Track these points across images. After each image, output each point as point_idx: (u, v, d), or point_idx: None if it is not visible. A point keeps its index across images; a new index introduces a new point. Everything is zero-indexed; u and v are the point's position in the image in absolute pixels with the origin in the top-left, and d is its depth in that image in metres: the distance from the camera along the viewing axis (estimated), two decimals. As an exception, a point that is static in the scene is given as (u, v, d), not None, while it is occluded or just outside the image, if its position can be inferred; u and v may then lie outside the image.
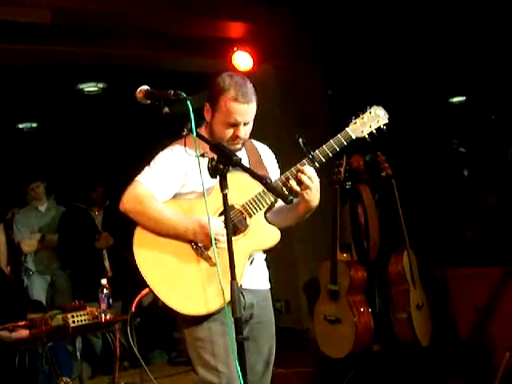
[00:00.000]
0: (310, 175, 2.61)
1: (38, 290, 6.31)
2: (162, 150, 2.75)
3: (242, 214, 2.66)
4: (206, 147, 2.38)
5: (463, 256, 5.69)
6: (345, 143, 2.73)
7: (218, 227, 2.51)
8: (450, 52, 7.15)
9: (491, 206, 6.23)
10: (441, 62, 7.49)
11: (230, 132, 2.66)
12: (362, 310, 4.74)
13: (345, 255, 5.07)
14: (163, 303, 2.57)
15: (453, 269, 5.46)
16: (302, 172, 2.61)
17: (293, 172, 2.65)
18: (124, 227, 2.71)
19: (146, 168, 2.69)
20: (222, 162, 2.30)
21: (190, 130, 2.35)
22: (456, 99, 10.29)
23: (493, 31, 6.34)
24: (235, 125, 2.64)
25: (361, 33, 6.42)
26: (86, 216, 6.24)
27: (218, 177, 2.31)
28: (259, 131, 2.86)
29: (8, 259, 6.49)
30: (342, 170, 4.80)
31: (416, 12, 5.98)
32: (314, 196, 2.67)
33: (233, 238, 2.53)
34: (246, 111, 2.63)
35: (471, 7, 5.81)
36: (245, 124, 2.67)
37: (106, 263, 6.14)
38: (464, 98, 10.27)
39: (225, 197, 2.30)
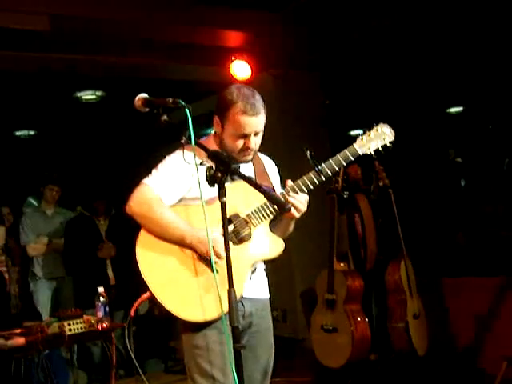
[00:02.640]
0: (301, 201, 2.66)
1: (44, 295, 6.30)
2: (164, 156, 2.75)
3: (247, 223, 2.67)
4: (205, 155, 2.38)
5: (460, 265, 5.70)
6: (352, 158, 2.77)
7: (219, 240, 2.50)
8: (447, 62, 7.17)
9: (487, 215, 6.25)
10: (438, 72, 7.52)
11: (240, 144, 2.67)
12: (358, 319, 4.74)
13: (342, 264, 5.07)
14: (161, 307, 2.57)
15: (450, 278, 5.47)
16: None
17: (300, 185, 2.69)
18: (129, 237, 2.70)
19: (154, 171, 2.70)
20: (221, 171, 2.30)
21: (189, 138, 2.36)
22: (453, 109, 10.31)
23: (490, 42, 6.37)
24: (245, 136, 2.65)
25: (359, 42, 6.44)
26: (90, 224, 6.25)
27: (215, 185, 2.31)
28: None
29: (16, 263, 6.51)
30: (339, 179, 4.81)
31: (414, 21, 6.00)
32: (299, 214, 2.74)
33: (236, 247, 2.55)
34: (255, 123, 2.64)
35: (469, 18, 5.84)
36: (255, 135, 2.68)
37: (109, 272, 6.14)
38: (461, 108, 10.30)
39: (223, 205, 2.30)
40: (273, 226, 2.79)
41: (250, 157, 2.73)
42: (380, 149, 2.82)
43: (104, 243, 6.14)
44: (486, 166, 7.39)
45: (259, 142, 2.73)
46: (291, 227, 2.85)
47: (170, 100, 2.38)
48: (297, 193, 2.67)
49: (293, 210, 2.64)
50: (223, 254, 2.39)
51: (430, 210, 6.51)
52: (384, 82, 7.75)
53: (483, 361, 4.95)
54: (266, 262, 2.82)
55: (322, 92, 6.99)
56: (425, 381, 4.71)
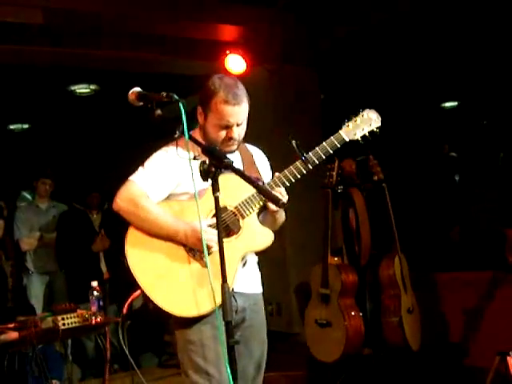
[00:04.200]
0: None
1: (37, 289, 6.30)
2: (156, 151, 2.75)
3: (235, 215, 2.66)
4: (199, 150, 2.38)
5: (453, 260, 5.71)
6: (338, 145, 2.75)
7: (209, 232, 2.51)
8: (442, 57, 7.17)
9: (479, 210, 6.26)
10: (433, 67, 7.51)
11: (223, 134, 2.66)
12: (352, 313, 4.74)
13: (336, 259, 5.07)
14: (154, 304, 2.56)
15: (443, 273, 5.48)
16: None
17: (286, 174, 2.68)
18: (121, 230, 2.69)
19: (140, 168, 2.69)
20: (214, 165, 2.29)
21: (182, 133, 2.35)
22: (448, 104, 10.32)
23: (485, 37, 6.37)
24: (228, 126, 2.64)
25: (354, 36, 6.44)
26: (83, 217, 6.24)
27: (209, 179, 2.31)
28: (251, 134, 2.86)
29: (10, 257, 6.51)
30: (334, 173, 4.80)
31: (409, 17, 6.00)
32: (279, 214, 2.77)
33: (226, 240, 2.54)
34: (237, 112, 2.63)
35: (464, 13, 5.84)
36: (238, 125, 2.67)
37: (103, 266, 6.14)
38: (456, 103, 10.31)
39: (216, 199, 2.29)
40: (262, 218, 2.78)
41: (234, 147, 2.72)
42: (367, 134, 2.81)
43: (98, 235, 6.14)
44: (480, 161, 7.39)
45: (242, 133, 2.72)
46: (281, 219, 2.83)
47: (164, 94, 2.37)
48: (279, 186, 2.66)
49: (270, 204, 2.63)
50: (215, 245, 2.38)
51: (424, 204, 6.51)
52: (379, 77, 7.74)
53: (477, 355, 4.96)
54: (258, 254, 2.81)
55: (317, 86, 6.98)
56: (418, 375, 4.72)
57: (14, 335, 4.17)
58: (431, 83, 8.17)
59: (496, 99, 8.03)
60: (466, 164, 7.63)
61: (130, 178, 2.67)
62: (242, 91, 2.66)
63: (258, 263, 2.87)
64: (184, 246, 2.61)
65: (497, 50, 6.62)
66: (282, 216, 2.83)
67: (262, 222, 2.78)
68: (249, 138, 2.85)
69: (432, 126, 9.03)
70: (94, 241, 6.14)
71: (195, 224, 2.52)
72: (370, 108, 2.84)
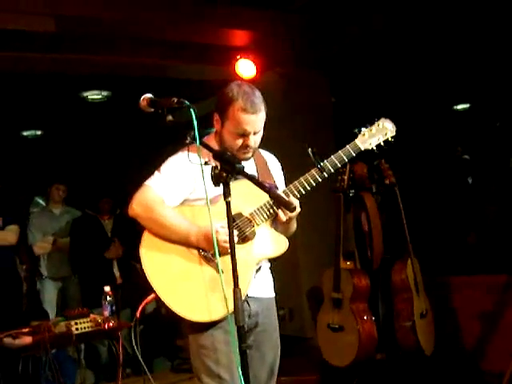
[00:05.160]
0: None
1: (50, 294, 6.34)
2: (169, 156, 2.75)
3: (250, 221, 2.66)
4: (210, 155, 2.38)
5: (467, 264, 5.67)
6: (353, 154, 2.76)
7: (223, 233, 2.51)
8: (454, 59, 7.15)
9: (491, 213, 6.23)
10: (445, 70, 7.49)
11: (239, 142, 2.66)
12: (365, 318, 4.73)
13: (348, 263, 5.06)
14: (167, 308, 2.57)
15: (457, 277, 5.44)
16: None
17: (302, 182, 2.68)
18: (134, 235, 2.70)
19: (156, 172, 2.69)
20: (225, 170, 2.30)
21: (194, 138, 2.35)
22: (460, 106, 10.28)
23: (497, 39, 6.34)
24: (244, 134, 2.64)
25: (365, 40, 6.43)
26: (95, 223, 6.28)
27: (221, 185, 2.31)
28: (262, 138, 2.86)
29: (24, 262, 6.57)
30: (345, 177, 4.79)
31: (420, 19, 5.98)
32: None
33: (241, 246, 2.55)
34: (254, 121, 2.64)
35: (476, 15, 5.82)
36: (255, 133, 2.67)
37: (116, 271, 6.17)
38: (468, 105, 10.27)
39: (228, 205, 2.30)
40: (275, 225, 2.79)
41: (249, 155, 2.72)
42: (382, 144, 2.81)
43: (112, 242, 6.17)
44: (492, 164, 7.36)
45: (259, 140, 2.72)
46: (293, 228, 2.84)
47: (175, 100, 2.38)
48: (295, 195, 2.67)
49: (281, 213, 2.64)
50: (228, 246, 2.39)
51: (436, 207, 6.49)
52: (390, 80, 7.73)
53: (490, 360, 4.93)
54: (271, 261, 2.82)
55: (328, 90, 6.98)
56: (432, 380, 4.70)
57: (27, 340, 4.19)
58: (443, 85, 8.15)
59: (508, 101, 7.99)
60: (479, 166, 7.60)
61: (146, 182, 2.67)
62: (259, 99, 2.66)
63: (271, 268, 2.87)
64: (198, 251, 2.62)
65: (509, 52, 6.59)
66: (293, 226, 2.83)
67: (276, 229, 2.78)
68: (260, 142, 2.85)
69: (444, 129, 9.00)
70: (106, 246, 6.16)
71: (208, 228, 2.53)
72: (381, 114, 2.84)
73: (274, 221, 2.74)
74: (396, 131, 2.84)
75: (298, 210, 2.66)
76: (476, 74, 7.70)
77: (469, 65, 7.37)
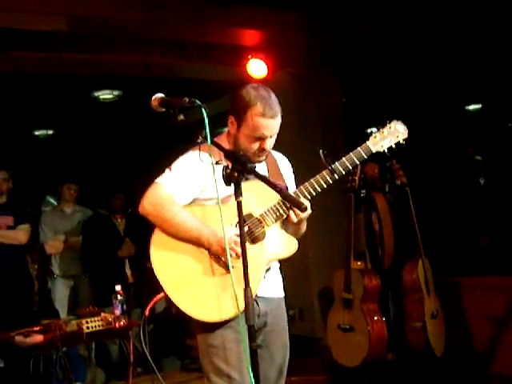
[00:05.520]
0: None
1: (61, 293, 6.35)
2: (180, 155, 2.75)
3: (261, 222, 2.66)
4: (221, 155, 2.38)
5: (479, 265, 5.65)
6: (365, 157, 2.75)
7: (233, 239, 2.51)
8: (466, 59, 7.12)
9: (502, 214, 6.20)
10: (457, 70, 7.46)
11: (256, 145, 2.66)
12: (375, 318, 4.72)
13: (359, 263, 5.05)
14: (177, 308, 2.57)
15: (468, 278, 5.42)
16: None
17: (312, 183, 2.67)
18: (146, 234, 2.70)
19: (167, 170, 2.69)
20: (237, 170, 2.30)
21: (205, 138, 2.36)
22: (472, 107, 10.24)
23: (510, 39, 6.31)
24: (261, 138, 2.64)
25: (376, 40, 6.41)
26: (108, 223, 6.30)
27: (232, 184, 2.31)
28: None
29: (35, 261, 6.60)
30: (356, 178, 4.78)
31: (432, 19, 5.96)
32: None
33: (251, 247, 2.55)
34: (272, 125, 2.64)
35: (488, 15, 5.79)
36: (271, 136, 2.67)
37: (127, 270, 6.19)
38: (480, 105, 10.22)
39: (239, 204, 2.30)
40: (285, 226, 2.79)
41: (264, 157, 2.72)
42: (393, 146, 2.80)
43: (125, 242, 6.19)
44: (505, 165, 7.31)
45: (273, 143, 2.72)
46: (303, 229, 2.83)
47: (186, 99, 2.38)
48: (306, 196, 2.67)
49: (292, 214, 2.64)
50: (239, 252, 2.38)
51: (448, 208, 6.46)
52: (402, 80, 7.71)
53: (501, 362, 4.90)
54: (281, 261, 2.81)
55: (339, 90, 6.97)
56: (442, 381, 4.68)
57: (38, 338, 4.21)
58: (455, 86, 8.11)
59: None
60: (491, 167, 7.56)
61: (157, 180, 2.67)
62: (276, 103, 2.66)
63: (280, 268, 2.87)
64: (208, 250, 2.62)
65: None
66: (303, 227, 2.83)
67: (287, 229, 2.78)
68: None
69: (456, 129, 8.96)
70: (119, 245, 6.19)
71: (219, 231, 2.53)
72: (392, 115, 2.83)
73: (285, 222, 2.74)
74: (408, 133, 2.82)
75: (309, 211, 2.65)
76: (488, 74, 7.67)
77: (481, 65, 7.34)
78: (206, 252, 2.62)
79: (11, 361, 4.42)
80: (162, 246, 2.63)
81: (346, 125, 6.80)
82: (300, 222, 2.70)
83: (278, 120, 2.67)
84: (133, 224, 6.25)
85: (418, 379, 4.72)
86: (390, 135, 2.78)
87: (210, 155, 2.39)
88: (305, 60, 6.46)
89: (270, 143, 2.68)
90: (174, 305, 2.57)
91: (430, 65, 7.26)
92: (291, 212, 2.63)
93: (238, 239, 2.37)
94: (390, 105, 7.74)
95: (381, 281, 4.83)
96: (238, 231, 2.47)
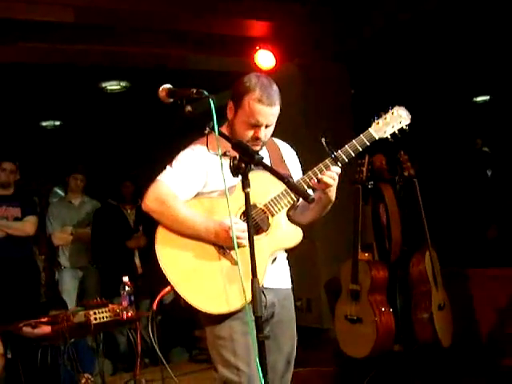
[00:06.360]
0: (333, 176, 2.61)
1: (68, 284, 6.37)
2: (184, 149, 2.76)
3: (265, 213, 2.66)
4: (228, 145, 2.38)
5: (486, 256, 5.63)
6: (367, 143, 2.72)
7: (239, 229, 2.51)
8: (474, 51, 7.08)
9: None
10: (465, 61, 7.42)
11: (250, 133, 2.65)
12: (383, 309, 4.72)
13: (366, 255, 5.05)
14: (185, 301, 2.58)
15: (475, 269, 5.41)
16: (328, 169, 2.61)
17: (316, 172, 2.64)
18: (156, 227, 2.70)
19: (168, 167, 2.70)
20: (244, 161, 2.29)
21: (212, 129, 2.35)
22: (480, 98, 10.18)
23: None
24: (256, 126, 2.64)
25: (385, 31, 6.37)
26: (118, 213, 6.31)
27: (239, 175, 2.31)
28: (282, 130, 2.85)
29: (43, 252, 6.63)
30: (364, 169, 4.77)
31: (440, 11, 5.92)
32: (332, 193, 2.70)
33: (255, 238, 2.53)
34: (268, 113, 2.63)
35: (492, 7, 5.75)
36: (266, 126, 2.66)
37: (137, 261, 6.21)
38: (488, 97, 10.16)
39: (247, 195, 2.29)
40: (305, 209, 2.77)
41: (258, 147, 2.70)
42: (396, 132, 2.76)
43: (136, 233, 6.20)
44: (512, 156, 7.29)
45: (269, 134, 2.72)
46: (332, 197, 2.75)
47: (194, 90, 2.37)
48: (308, 184, 2.64)
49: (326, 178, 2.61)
50: (246, 241, 2.38)
51: (455, 200, 6.44)
52: (410, 71, 7.67)
53: (508, 353, 4.89)
54: (287, 251, 2.81)
55: (348, 81, 6.94)
56: (449, 372, 4.68)
57: (46, 329, 4.23)
58: (463, 77, 8.07)
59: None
60: (499, 159, 7.53)
61: (158, 177, 2.68)
62: (276, 93, 2.65)
63: (288, 259, 2.87)
64: (215, 243, 2.62)
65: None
66: (332, 196, 2.74)
67: (307, 212, 2.77)
68: (278, 133, 2.85)
69: (464, 121, 8.92)
70: (129, 236, 6.19)
71: (224, 220, 2.53)
72: (400, 104, 2.80)
73: (290, 209, 2.73)
74: (412, 120, 2.78)
75: (338, 170, 2.64)
76: (496, 65, 7.62)
77: (489, 56, 7.29)
78: (212, 245, 2.62)
79: (19, 352, 4.45)
80: (167, 242, 2.64)
81: (354, 116, 6.77)
82: (330, 187, 2.66)
83: (275, 110, 2.65)
84: (143, 215, 6.25)
85: (425, 370, 4.72)
86: (392, 121, 2.74)
87: (218, 146, 2.38)
88: (313, 51, 6.43)
89: (264, 133, 2.66)
90: (183, 300, 2.58)
91: (438, 56, 7.22)
92: (325, 175, 2.60)
93: (245, 227, 2.36)
94: (399, 96, 7.69)
95: (388, 272, 4.83)
96: (243, 222, 2.48)
